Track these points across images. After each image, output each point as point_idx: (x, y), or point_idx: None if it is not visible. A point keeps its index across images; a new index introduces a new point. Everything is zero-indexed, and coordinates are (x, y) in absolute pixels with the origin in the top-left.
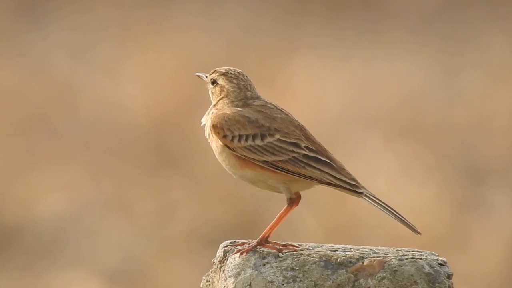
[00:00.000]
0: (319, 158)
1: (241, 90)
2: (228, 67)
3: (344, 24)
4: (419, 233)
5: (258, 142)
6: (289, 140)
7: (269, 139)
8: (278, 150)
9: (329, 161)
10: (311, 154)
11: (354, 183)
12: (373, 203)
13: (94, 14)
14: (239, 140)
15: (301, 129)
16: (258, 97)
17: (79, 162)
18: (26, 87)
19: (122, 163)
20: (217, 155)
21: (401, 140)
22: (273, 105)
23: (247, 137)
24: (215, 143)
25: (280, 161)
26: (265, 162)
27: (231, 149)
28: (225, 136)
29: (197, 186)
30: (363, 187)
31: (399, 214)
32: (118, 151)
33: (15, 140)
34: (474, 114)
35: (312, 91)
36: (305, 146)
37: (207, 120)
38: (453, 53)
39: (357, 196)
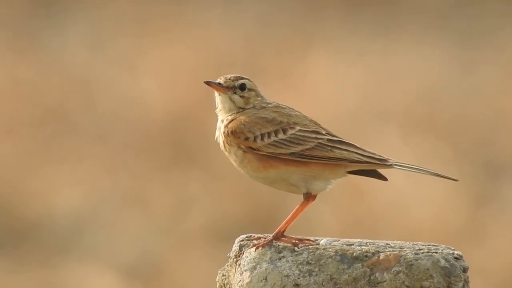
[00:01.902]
0: (343, 141)
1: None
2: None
3: (361, 18)
4: (456, 180)
5: (281, 136)
6: (309, 129)
7: (291, 131)
8: (302, 139)
9: (352, 143)
10: (335, 138)
11: (381, 157)
12: (405, 169)
13: (111, 8)
14: (262, 139)
15: (316, 123)
16: (269, 102)
17: (96, 157)
18: (44, 81)
19: (139, 158)
20: (237, 164)
21: (418, 134)
22: (285, 105)
23: (269, 134)
24: (234, 153)
25: (307, 149)
26: (292, 154)
27: (255, 150)
28: (247, 139)
29: (214, 181)
30: (390, 159)
31: (432, 170)
32: (135, 146)
33: (32, 135)
34: (490, 109)
35: (329, 85)
36: (326, 133)
37: (220, 132)
38: (470, 48)
39: (386, 168)
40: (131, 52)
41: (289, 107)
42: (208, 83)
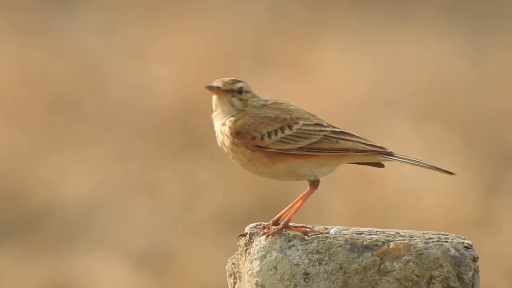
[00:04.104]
0: (345, 131)
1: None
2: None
3: (371, 7)
4: (454, 173)
5: (287, 132)
6: (312, 123)
7: (296, 127)
8: (308, 133)
9: (352, 133)
10: (337, 129)
11: (382, 146)
12: (403, 160)
13: None
14: (270, 137)
15: (313, 115)
16: (266, 99)
17: (106, 144)
18: (54, 69)
19: (149, 145)
20: (244, 162)
21: (428, 123)
22: (282, 101)
23: (275, 131)
24: (241, 153)
25: (314, 142)
26: (300, 148)
27: (263, 148)
28: (254, 138)
29: (224, 169)
30: (388, 148)
31: (429, 163)
32: (145, 133)
33: (42, 122)
34: (501, 98)
35: (339, 74)
36: (328, 124)
37: (224, 133)
38: (481, 37)
39: (387, 157)
40: (142, 40)
41: (286, 103)
42: (209, 87)
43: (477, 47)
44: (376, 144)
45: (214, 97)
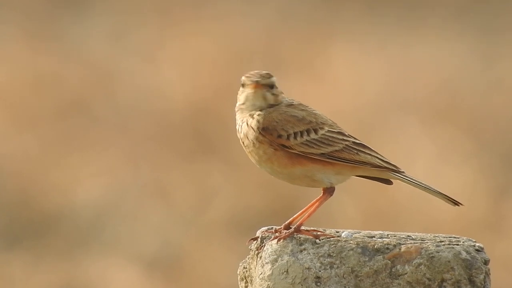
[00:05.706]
0: (365, 144)
1: None
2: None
3: (382, 10)
4: (460, 204)
5: (313, 136)
6: (336, 130)
7: (321, 132)
8: (331, 140)
9: (369, 146)
10: (358, 141)
11: (395, 164)
12: (413, 183)
13: None
14: (295, 137)
15: (335, 122)
16: (292, 99)
17: (117, 148)
18: (65, 72)
19: (160, 149)
20: (263, 160)
21: (439, 125)
22: (306, 104)
23: (301, 133)
24: (263, 150)
25: (336, 151)
26: (322, 154)
27: (286, 148)
28: (280, 136)
29: (236, 172)
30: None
31: (437, 190)
32: (156, 137)
33: (53, 126)
34: (511, 100)
35: (350, 77)
36: (349, 134)
37: (250, 126)
38: (492, 39)
39: (397, 175)
40: (153, 43)
41: (309, 106)
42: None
43: (488, 49)
44: (391, 162)
45: (248, 90)
